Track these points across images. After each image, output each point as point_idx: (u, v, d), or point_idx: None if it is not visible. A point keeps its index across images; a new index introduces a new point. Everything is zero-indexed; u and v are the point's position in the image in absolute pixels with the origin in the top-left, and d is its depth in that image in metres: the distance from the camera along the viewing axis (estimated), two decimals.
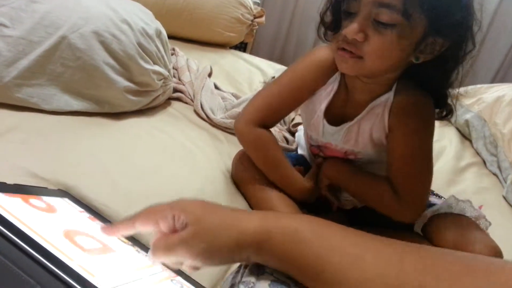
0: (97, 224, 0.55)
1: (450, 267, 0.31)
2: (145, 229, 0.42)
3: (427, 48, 0.62)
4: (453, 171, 1.20)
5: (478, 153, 1.36)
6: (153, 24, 1.04)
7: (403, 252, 0.34)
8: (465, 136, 1.45)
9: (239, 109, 1.11)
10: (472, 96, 1.50)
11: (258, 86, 1.44)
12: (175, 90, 1.17)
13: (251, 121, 0.79)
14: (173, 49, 1.34)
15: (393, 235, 0.66)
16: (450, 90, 0.70)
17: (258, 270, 0.39)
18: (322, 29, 0.72)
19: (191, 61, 1.30)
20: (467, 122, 1.42)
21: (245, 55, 1.77)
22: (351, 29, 0.59)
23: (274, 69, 1.63)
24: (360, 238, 0.36)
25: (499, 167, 1.24)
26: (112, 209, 0.62)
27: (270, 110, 0.80)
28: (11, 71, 0.80)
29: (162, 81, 1.04)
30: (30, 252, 0.34)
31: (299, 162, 0.91)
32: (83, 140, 0.79)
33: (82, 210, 0.57)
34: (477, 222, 0.75)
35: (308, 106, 0.80)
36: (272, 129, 0.87)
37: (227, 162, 0.92)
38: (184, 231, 0.39)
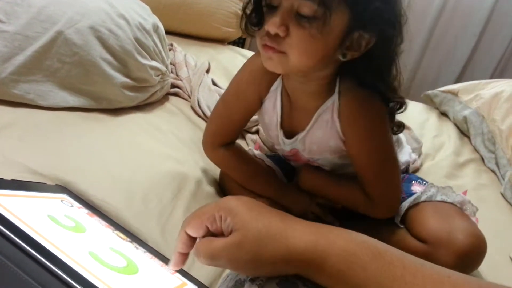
0: (96, 221, 0.54)
1: None
2: (197, 234, 0.40)
3: (353, 45, 0.59)
4: (451, 167, 1.20)
5: (476, 150, 1.36)
6: (150, 19, 1.03)
7: (462, 285, 0.33)
8: (463, 132, 1.45)
9: None
10: (470, 92, 1.49)
11: None
12: (173, 85, 1.16)
13: (211, 144, 0.80)
14: (171, 45, 1.33)
15: (375, 229, 0.66)
16: (396, 83, 0.66)
17: None
18: (243, 24, 0.67)
19: (189, 57, 1.30)
20: (465, 118, 1.42)
21: (243, 51, 1.76)
22: (272, 23, 0.56)
23: None
24: (419, 268, 0.35)
25: (497, 164, 1.24)
26: (110, 204, 0.62)
27: (223, 130, 0.79)
28: (7, 67, 0.79)
29: (159, 76, 1.03)
30: (30, 251, 0.34)
31: (282, 162, 0.88)
32: (81, 136, 0.79)
33: (80, 206, 0.57)
34: (463, 207, 0.74)
35: (263, 118, 0.78)
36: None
37: None
38: (229, 238, 0.37)
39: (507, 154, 1.20)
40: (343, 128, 0.68)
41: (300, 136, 0.73)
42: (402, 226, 0.75)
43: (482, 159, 1.31)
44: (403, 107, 0.70)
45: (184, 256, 0.42)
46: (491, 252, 0.79)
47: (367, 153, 0.69)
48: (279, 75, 0.72)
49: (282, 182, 0.83)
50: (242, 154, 0.82)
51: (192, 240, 0.41)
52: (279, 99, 0.73)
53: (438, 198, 0.75)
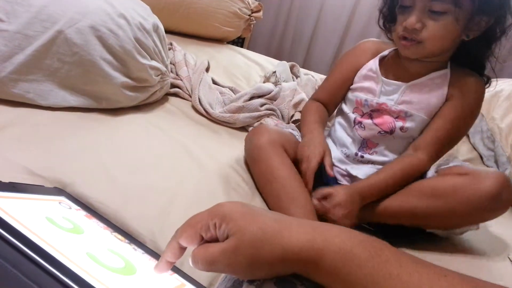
0: (94, 222, 0.54)
1: None
2: (191, 245, 0.40)
3: (475, 26, 0.74)
4: None
5: (474, 148, 1.36)
6: (150, 19, 1.03)
7: (458, 284, 0.33)
8: None
9: (237, 104, 1.11)
10: None
11: (256, 80, 1.44)
12: (173, 85, 1.16)
13: (311, 97, 1.02)
14: (171, 44, 1.33)
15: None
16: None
17: None
18: (381, 22, 0.88)
19: (188, 56, 1.30)
20: None
21: (243, 50, 1.76)
22: (410, 21, 0.74)
23: (272, 64, 1.62)
24: (416, 266, 0.35)
25: (496, 162, 1.24)
26: (109, 207, 0.62)
27: (322, 88, 1.00)
28: (7, 66, 0.79)
29: (159, 76, 1.03)
30: (28, 253, 0.34)
31: None
32: (80, 136, 0.79)
33: (78, 208, 0.57)
34: None
35: (360, 74, 0.91)
36: (270, 122, 1.03)
37: (227, 155, 0.92)
38: (225, 243, 0.37)
39: (506, 152, 1.20)
40: (450, 91, 0.82)
41: (405, 84, 0.85)
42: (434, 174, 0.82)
43: (481, 157, 1.31)
44: (489, 83, 0.85)
45: (171, 264, 0.42)
46: (489, 252, 0.79)
47: (460, 114, 0.82)
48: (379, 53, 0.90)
49: (319, 129, 0.90)
50: (320, 109, 0.97)
51: (182, 250, 0.41)
52: (379, 57, 0.90)
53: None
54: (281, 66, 1.48)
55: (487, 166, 1.26)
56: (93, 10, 0.89)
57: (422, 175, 0.83)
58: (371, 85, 0.88)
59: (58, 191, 0.60)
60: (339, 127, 0.95)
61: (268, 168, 0.80)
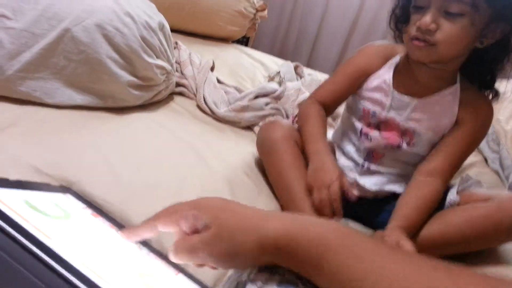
0: (100, 221, 0.55)
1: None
2: (167, 230, 0.42)
3: (490, 33, 0.70)
4: None
5: (479, 151, 1.36)
6: (156, 17, 1.03)
7: (433, 269, 0.33)
8: None
9: (242, 103, 1.11)
10: None
11: (260, 80, 1.44)
12: (178, 84, 1.17)
13: (310, 97, 0.94)
14: (176, 43, 1.33)
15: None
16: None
17: (269, 269, 0.39)
18: (393, 23, 0.83)
19: (193, 55, 1.30)
20: None
21: (247, 49, 1.76)
22: (425, 21, 0.69)
23: (276, 64, 1.62)
24: (390, 249, 0.36)
25: (501, 165, 1.23)
26: (114, 204, 0.63)
27: (324, 89, 0.93)
28: (14, 64, 0.79)
29: (165, 75, 1.03)
30: (33, 250, 0.34)
31: None
32: (86, 134, 0.79)
33: (84, 206, 0.57)
34: None
35: (371, 83, 0.86)
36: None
37: (233, 153, 0.92)
38: (205, 233, 0.38)
39: (511, 154, 1.20)
40: (461, 113, 0.80)
41: (415, 101, 0.81)
42: (458, 199, 0.81)
43: (485, 160, 1.31)
44: (497, 96, 0.83)
45: (138, 237, 0.44)
46: (493, 253, 0.79)
47: (471, 141, 0.81)
48: (395, 56, 0.85)
49: (327, 148, 0.84)
50: (320, 114, 0.90)
51: (155, 231, 0.42)
52: (394, 66, 0.84)
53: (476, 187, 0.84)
54: (285, 66, 1.48)
55: (492, 169, 1.25)
56: (99, 8, 0.89)
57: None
58: (381, 97, 0.84)
59: (64, 188, 0.60)
60: (344, 135, 0.94)
61: (282, 161, 0.83)
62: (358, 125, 0.89)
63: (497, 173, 1.23)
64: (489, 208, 0.75)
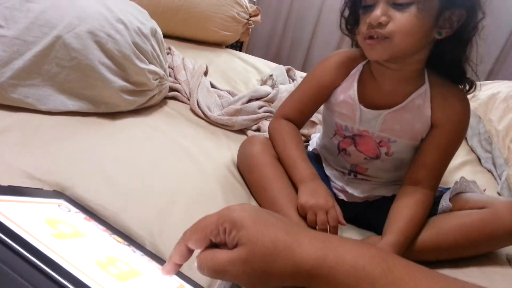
0: (94, 225, 0.55)
1: None
2: (200, 248, 0.39)
3: (446, 23, 0.68)
4: (448, 169, 1.20)
5: (473, 150, 1.37)
6: (148, 23, 1.04)
7: None
8: None
9: (235, 106, 1.11)
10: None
11: (254, 84, 1.44)
12: (171, 89, 1.17)
13: (277, 115, 0.90)
14: (169, 48, 1.34)
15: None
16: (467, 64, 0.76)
17: None
18: (343, 26, 0.80)
19: (187, 60, 1.30)
20: None
21: (241, 54, 1.77)
22: (375, 14, 0.67)
23: (270, 68, 1.63)
24: (429, 279, 0.34)
25: (494, 164, 1.24)
26: (108, 209, 0.63)
27: (291, 105, 0.89)
28: (5, 72, 0.79)
29: (158, 80, 1.04)
30: (23, 253, 0.34)
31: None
32: (79, 140, 0.79)
33: (77, 210, 0.57)
34: None
35: (337, 98, 0.84)
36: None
37: (226, 157, 0.92)
38: (235, 252, 0.36)
39: (503, 153, 1.21)
40: (434, 115, 0.77)
41: (386, 111, 0.79)
42: (450, 205, 0.79)
43: (479, 159, 1.32)
44: (473, 87, 0.78)
45: (179, 266, 0.42)
46: (487, 253, 0.80)
47: (450, 143, 0.78)
48: (357, 65, 0.82)
49: (316, 173, 0.81)
50: (295, 134, 0.87)
51: (190, 252, 0.40)
52: (357, 78, 0.81)
53: (469, 190, 0.82)
54: (277, 70, 1.49)
55: (485, 168, 1.26)
56: (91, 15, 0.89)
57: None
58: (349, 112, 0.83)
59: (57, 194, 0.60)
60: (325, 149, 0.94)
61: (263, 176, 0.81)
62: (335, 140, 0.88)
63: (490, 172, 1.24)
64: (484, 216, 0.74)
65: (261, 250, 0.35)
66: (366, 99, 0.81)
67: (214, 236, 0.38)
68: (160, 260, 0.55)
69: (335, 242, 0.37)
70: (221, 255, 0.36)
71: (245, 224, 0.36)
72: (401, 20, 0.66)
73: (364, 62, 0.82)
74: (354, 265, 0.35)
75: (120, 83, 0.92)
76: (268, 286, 0.37)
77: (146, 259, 0.52)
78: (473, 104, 1.43)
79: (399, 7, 0.66)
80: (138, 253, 0.53)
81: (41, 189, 0.60)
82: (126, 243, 0.54)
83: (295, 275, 0.36)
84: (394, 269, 0.34)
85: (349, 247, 0.36)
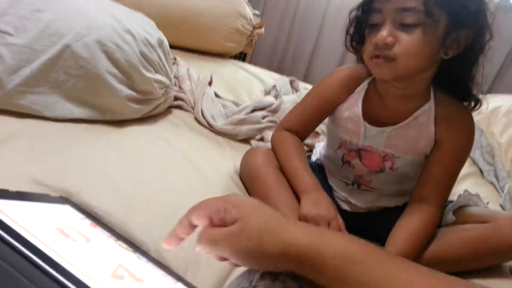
0: (99, 231, 0.55)
1: None
2: (201, 223, 0.42)
3: (453, 43, 0.67)
4: None
5: (475, 163, 1.37)
6: (155, 34, 1.06)
7: (450, 284, 0.34)
8: None
9: (239, 116, 1.12)
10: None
11: (258, 94, 1.46)
12: (176, 98, 1.18)
13: (280, 127, 0.91)
14: (174, 59, 1.36)
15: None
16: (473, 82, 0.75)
17: (270, 277, 0.39)
18: (349, 44, 0.80)
19: (191, 70, 1.32)
20: None
21: (245, 65, 1.78)
22: (381, 35, 0.66)
23: (273, 79, 1.64)
24: (414, 264, 0.37)
25: (496, 177, 1.25)
26: (113, 216, 0.63)
27: (294, 119, 0.90)
28: (13, 79, 0.81)
29: (163, 89, 1.05)
30: (30, 257, 0.34)
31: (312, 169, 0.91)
32: (85, 147, 0.80)
33: (83, 216, 0.58)
34: None
35: (342, 114, 0.84)
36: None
37: (230, 167, 0.93)
38: (230, 227, 0.39)
39: (506, 166, 1.21)
40: (438, 133, 0.77)
41: (390, 128, 0.79)
42: (453, 219, 0.79)
43: (481, 172, 1.32)
44: (479, 104, 0.77)
45: (179, 240, 0.44)
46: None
47: (455, 161, 0.78)
48: (362, 82, 0.82)
49: (319, 184, 0.81)
50: (298, 144, 0.87)
51: (192, 228, 0.43)
52: (362, 96, 0.81)
53: (472, 203, 0.82)
54: (281, 81, 1.51)
55: (487, 181, 1.27)
56: (100, 26, 0.91)
57: None
58: (353, 128, 0.83)
59: (63, 200, 0.61)
60: (329, 161, 0.94)
61: (265, 186, 0.81)
62: (340, 152, 0.88)
63: (492, 184, 1.24)
64: (487, 231, 0.74)
65: (254, 225, 0.39)
66: (371, 116, 0.81)
67: (216, 214, 0.41)
68: (164, 267, 0.55)
69: (320, 230, 0.41)
70: (220, 229, 0.40)
71: (245, 207, 0.41)
72: (407, 42, 0.65)
73: (369, 80, 0.82)
74: (341, 247, 0.37)
75: (127, 91, 0.93)
76: (257, 263, 0.39)
77: (151, 265, 0.53)
78: (475, 117, 1.43)
79: (406, 27, 0.65)
80: (143, 260, 0.53)
81: (48, 194, 0.61)
82: (131, 249, 0.55)
83: (285, 254, 0.38)
84: (376, 251, 0.37)
85: (336, 234, 0.40)
